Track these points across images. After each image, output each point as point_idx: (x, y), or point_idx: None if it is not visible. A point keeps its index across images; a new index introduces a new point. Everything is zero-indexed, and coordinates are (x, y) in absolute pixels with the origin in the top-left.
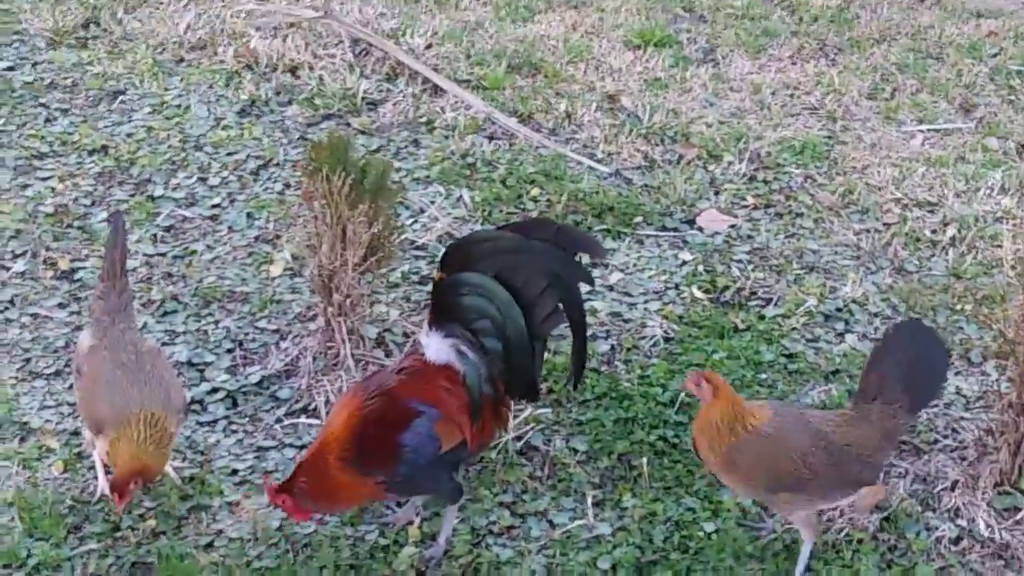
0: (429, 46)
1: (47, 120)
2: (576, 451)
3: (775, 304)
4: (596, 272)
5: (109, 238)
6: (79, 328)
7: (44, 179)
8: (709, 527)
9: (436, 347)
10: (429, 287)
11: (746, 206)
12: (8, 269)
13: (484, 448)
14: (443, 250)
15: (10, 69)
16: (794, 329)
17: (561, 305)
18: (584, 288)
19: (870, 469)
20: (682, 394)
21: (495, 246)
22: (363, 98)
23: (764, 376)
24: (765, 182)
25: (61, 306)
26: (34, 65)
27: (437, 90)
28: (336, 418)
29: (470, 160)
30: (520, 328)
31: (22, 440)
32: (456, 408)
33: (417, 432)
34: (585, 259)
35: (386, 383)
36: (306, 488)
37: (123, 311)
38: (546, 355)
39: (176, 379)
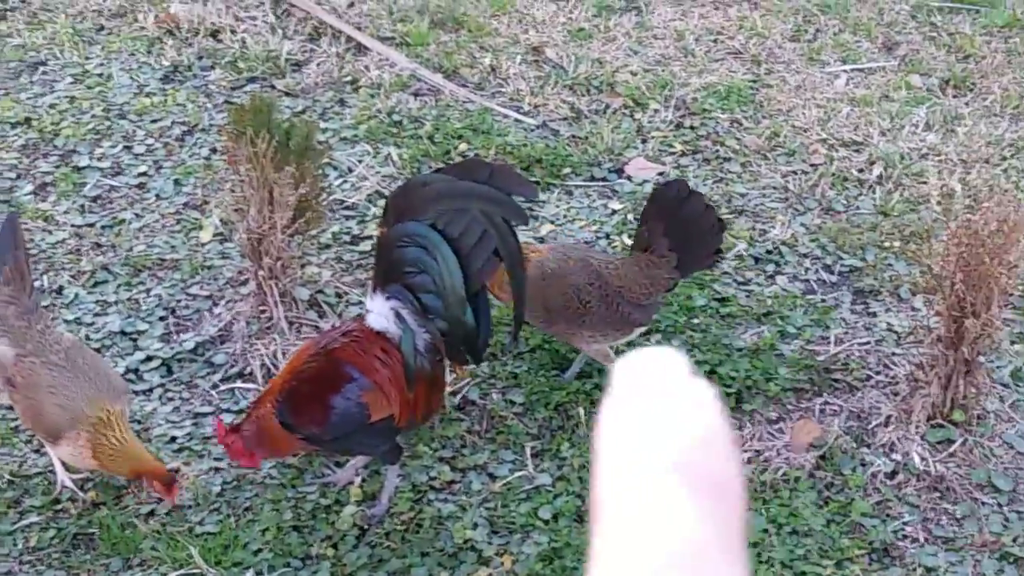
0: (351, 4)
1: None
2: (513, 403)
3: None
4: (524, 227)
5: (6, 240)
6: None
7: None
8: None
9: (376, 311)
10: (361, 247)
11: (674, 153)
12: None
13: (415, 424)
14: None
15: None
16: (725, 273)
17: (497, 250)
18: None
19: (640, 311)
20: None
21: (429, 192)
22: (287, 59)
23: (697, 321)
24: (692, 128)
25: None
26: None
27: (361, 49)
28: (284, 368)
29: (397, 118)
30: (456, 278)
31: None
32: (387, 379)
33: (346, 398)
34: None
35: (330, 344)
36: (251, 433)
37: (36, 311)
38: None
39: (108, 364)
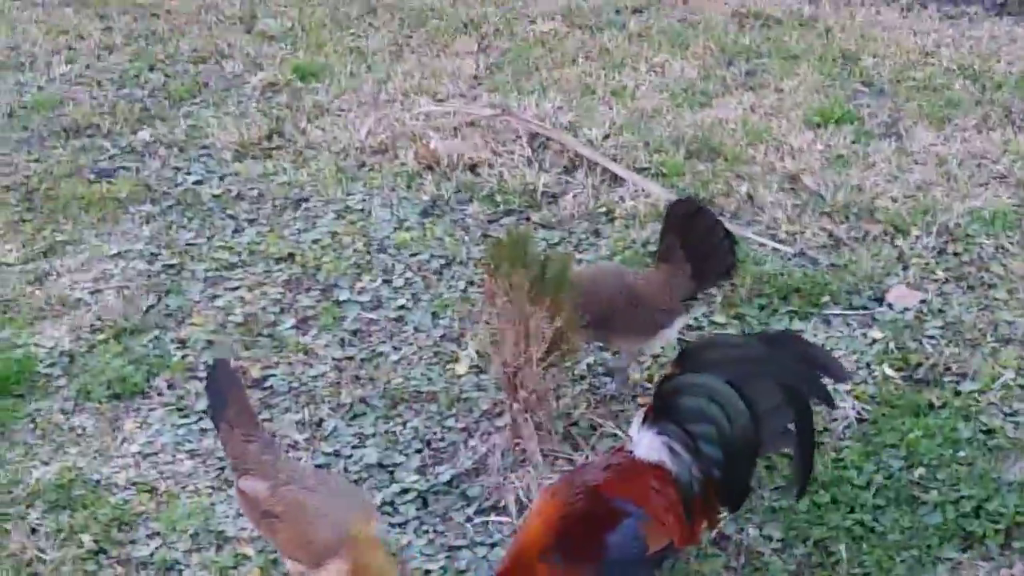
0: (607, 137)
1: (235, 231)
2: (771, 539)
3: (971, 379)
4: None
5: (222, 383)
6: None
7: (233, 289)
8: None
9: (647, 444)
10: (642, 378)
11: (936, 280)
12: (202, 379)
13: (691, 545)
14: (680, 348)
15: (199, 183)
16: (992, 404)
17: (794, 422)
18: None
19: (663, 315)
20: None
21: (734, 353)
22: (543, 192)
23: (963, 454)
24: (955, 254)
25: None
26: (221, 178)
27: (616, 179)
28: (536, 518)
29: (652, 248)
30: (749, 439)
31: (219, 549)
32: (664, 509)
33: (624, 534)
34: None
35: (592, 480)
36: None
37: (273, 445)
38: None
39: (351, 484)
